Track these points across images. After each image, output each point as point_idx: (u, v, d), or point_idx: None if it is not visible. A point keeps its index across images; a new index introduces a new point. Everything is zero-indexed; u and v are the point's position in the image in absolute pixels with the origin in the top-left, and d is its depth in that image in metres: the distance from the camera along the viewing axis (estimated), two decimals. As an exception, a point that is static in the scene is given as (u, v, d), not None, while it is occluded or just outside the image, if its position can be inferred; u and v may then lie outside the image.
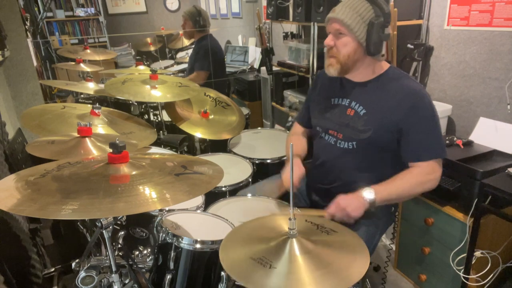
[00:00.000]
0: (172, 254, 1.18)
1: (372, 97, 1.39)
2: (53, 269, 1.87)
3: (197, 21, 3.16)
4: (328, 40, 1.37)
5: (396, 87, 1.35)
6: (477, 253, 1.57)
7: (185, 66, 3.67)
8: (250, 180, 1.77)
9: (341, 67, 1.37)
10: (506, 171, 1.49)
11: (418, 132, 1.32)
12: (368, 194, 1.27)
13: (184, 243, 1.17)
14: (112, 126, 1.78)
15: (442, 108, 2.13)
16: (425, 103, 1.32)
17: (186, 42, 4.33)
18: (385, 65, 1.42)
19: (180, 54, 4.51)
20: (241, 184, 1.70)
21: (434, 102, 2.19)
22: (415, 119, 1.31)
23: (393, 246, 2.15)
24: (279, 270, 0.85)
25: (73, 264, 1.24)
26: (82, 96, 2.61)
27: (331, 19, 1.35)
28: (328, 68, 1.40)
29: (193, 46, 3.29)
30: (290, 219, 0.94)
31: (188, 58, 3.41)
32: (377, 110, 1.36)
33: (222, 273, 1.17)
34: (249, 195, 1.61)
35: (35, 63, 3.11)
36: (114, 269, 1.12)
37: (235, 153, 2.01)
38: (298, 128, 1.73)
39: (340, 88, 1.48)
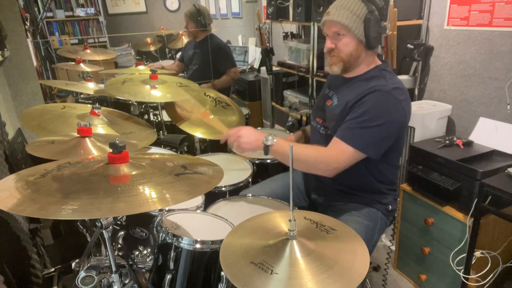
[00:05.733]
0: (172, 254, 1.18)
1: (345, 92, 1.43)
2: (53, 269, 1.86)
3: (199, 20, 3.17)
4: (329, 44, 1.41)
5: (364, 85, 1.36)
6: (477, 253, 1.57)
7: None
8: (250, 180, 1.77)
9: (344, 65, 1.41)
10: (506, 171, 1.49)
11: (350, 118, 1.34)
12: (269, 139, 1.36)
13: (184, 243, 1.17)
14: (112, 126, 1.78)
15: (442, 108, 2.13)
16: (373, 98, 1.31)
17: (186, 41, 4.33)
18: (373, 63, 1.43)
19: (180, 54, 4.50)
20: (241, 184, 1.70)
21: (434, 102, 2.22)
22: (356, 109, 1.33)
23: (393, 246, 2.15)
24: (281, 276, 0.84)
25: (73, 264, 1.24)
26: (82, 96, 2.61)
27: (328, 22, 1.39)
28: (331, 68, 1.44)
29: (196, 45, 3.28)
30: (290, 220, 0.94)
31: (187, 56, 3.39)
32: (340, 104, 1.41)
33: (222, 273, 1.17)
34: (249, 195, 1.61)
35: (35, 63, 3.11)
36: (114, 269, 1.11)
37: (235, 153, 2.01)
38: None
39: (334, 80, 1.54)
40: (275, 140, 1.37)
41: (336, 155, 1.33)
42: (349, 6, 1.33)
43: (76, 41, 4.37)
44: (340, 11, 1.34)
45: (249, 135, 1.40)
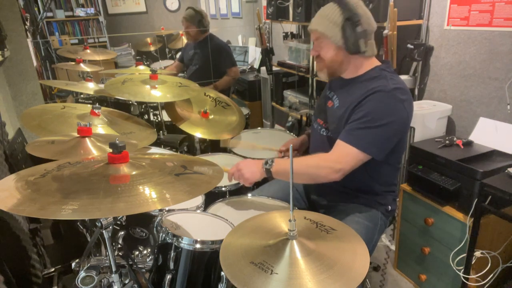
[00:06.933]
0: (172, 254, 1.18)
1: (346, 93, 1.43)
2: (53, 269, 1.86)
3: (200, 22, 3.17)
4: (312, 52, 1.46)
5: (365, 86, 1.36)
6: (477, 253, 1.57)
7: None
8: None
9: (328, 71, 1.45)
10: (506, 171, 1.49)
11: (353, 120, 1.34)
12: (268, 163, 1.39)
13: (184, 243, 1.17)
14: (112, 126, 1.78)
15: (442, 108, 2.13)
16: (374, 99, 1.31)
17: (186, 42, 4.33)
18: (372, 64, 1.43)
19: (179, 55, 4.50)
20: (241, 184, 1.70)
21: (434, 102, 2.22)
22: (358, 111, 1.33)
23: (393, 246, 2.15)
24: (281, 276, 0.84)
25: (73, 264, 1.24)
26: (82, 96, 2.61)
27: (310, 30, 1.44)
28: (319, 73, 1.49)
29: (196, 45, 3.28)
30: (290, 220, 0.94)
31: (187, 57, 3.39)
32: (342, 106, 1.42)
33: (222, 273, 1.17)
34: (249, 195, 1.61)
35: (35, 63, 3.11)
36: (114, 269, 1.12)
37: (235, 153, 2.01)
38: None
39: (335, 81, 1.54)
40: (274, 162, 1.38)
41: (340, 157, 1.33)
42: (326, 14, 1.36)
43: (76, 41, 4.37)
44: (318, 20, 1.39)
45: (249, 166, 1.42)
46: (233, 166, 1.45)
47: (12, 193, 0.90)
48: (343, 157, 1.32)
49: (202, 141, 2.34)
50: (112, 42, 4.53)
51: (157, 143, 1.99)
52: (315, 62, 1.50)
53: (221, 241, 1.00)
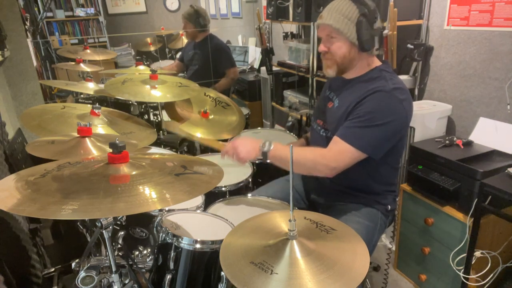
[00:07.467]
0: (172, 254, 1.18)
1: (346, 94, 1.43)
2: (53, 269, 1.86)
3: (197, 21, 3.17)
4: (322, 47, 1.42)
5: (365, 87, 1.36)
6: (477, 253, 1.57)
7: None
8: (250, 180, 1.77)
9: (338, 67, 1.42)
10: (506, 171, 1.49)
11: (352, 118, 1.34)
12: (266, 145, 1.37)
13: (184, 243, 1.17)
14: (112, 126, 1.78)
15: (442, 108, 2.13)
16: (374, 98, 1.31)
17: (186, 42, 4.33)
18: (373, 64, 1.43)
19: (180, 54, 4.50)
20: (241, 184, 1.70)
21: (434, 102, 2.22)
22: (357, 110, 1.33)
23: (393, 246, 2.15)
24: (281, 276, 0.84)
25: (73, 264, 1.24)
26: (82, 96, 2.61)
27: (321, 25, 1.40)
28: (326, 70, 1.45)
29: (196, 45, 3.28)
30: (290, 220, 0.94)
31: (187, 57, 3.39)
32: (342, 106, 1.41)
33: (222, 273, 1.17)
34: (249, 195, 1.61)
35: (35, 63, 3.11)
36: (114, 269, 1.11)
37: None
38: None
39: (335, 81, 1.54)
40: (272, 145, 1.37)
41: (336, 154, 1.33)
42: (340, 9, 1.33)
43: (76, 41, 4.37)
44: (332, 15, 1.35)
45: (245, 144, 1.40)
46: (229, 142, 1.42)
47: (12, 193, 0.90)
48: (339, 154, 1.32)
49: (202, 141, 2.33)
50: (112, 42, 4.53)
51: (157, 143, 1.99)
52: (323, 59, 1.44)
53: (221, 241, 1.00)
